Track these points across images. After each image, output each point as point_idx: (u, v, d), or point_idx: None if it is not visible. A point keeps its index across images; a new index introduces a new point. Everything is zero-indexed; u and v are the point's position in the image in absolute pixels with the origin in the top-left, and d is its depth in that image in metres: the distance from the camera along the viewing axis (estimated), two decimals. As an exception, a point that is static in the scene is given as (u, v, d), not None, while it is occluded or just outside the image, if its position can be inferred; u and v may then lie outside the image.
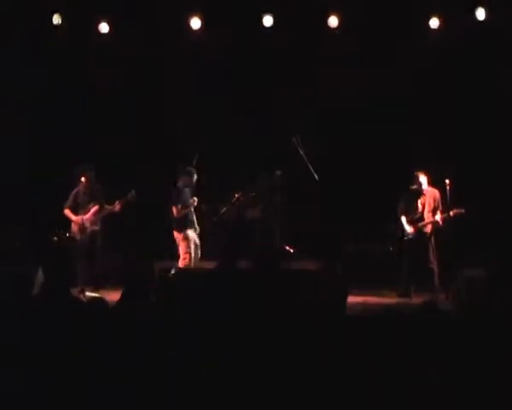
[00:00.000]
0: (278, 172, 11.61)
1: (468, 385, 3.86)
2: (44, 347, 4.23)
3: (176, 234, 9.87)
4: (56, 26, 11.36)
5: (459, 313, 7.96)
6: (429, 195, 9.36)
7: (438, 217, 9.25)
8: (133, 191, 9.64)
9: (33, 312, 4.61)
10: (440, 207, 9.31)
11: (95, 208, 9.63)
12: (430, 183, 9.35)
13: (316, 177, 10.92)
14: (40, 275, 6.52)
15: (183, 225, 9.88)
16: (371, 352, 3.88)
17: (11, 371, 4.07)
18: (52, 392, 3.99)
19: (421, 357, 3.94)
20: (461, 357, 4.04)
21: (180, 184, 10.01)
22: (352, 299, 8.96)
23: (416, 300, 8.95)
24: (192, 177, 10.03)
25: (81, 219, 9.56)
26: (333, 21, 11.36)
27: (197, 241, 9.97)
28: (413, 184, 9.42)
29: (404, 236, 9.35)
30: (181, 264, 9.72)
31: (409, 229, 9.33)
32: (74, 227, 9.64)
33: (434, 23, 11.19)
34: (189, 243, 9.80)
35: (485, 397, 3.83)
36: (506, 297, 5.28)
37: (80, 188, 9.72)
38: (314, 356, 3.99)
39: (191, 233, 9.88)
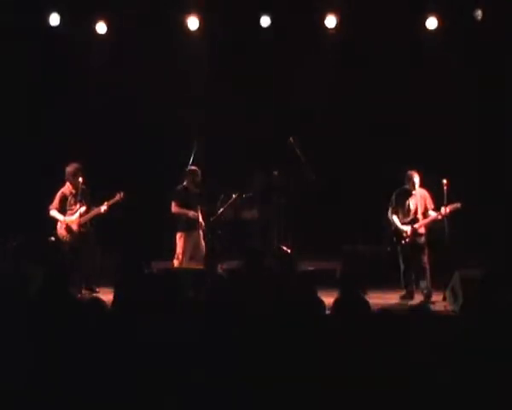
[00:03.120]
0: (275, 173, 11.63)
1: (465, 386, 3.87)
2: (43, 347, 4.24)
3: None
4: (54, 27, 11.37)
5: (455, 314, 8.00)
6: (420, 196, 9.29)
7: (434, 213, 9.18)
8: (122, 192, 9.54)
9: (32, 312, 4.62)
10: (432, 206, 9.26)
11: (82, 210, 9.49)
12: (421, 183, 9.31)
13: (313, 177, 10.93)
14: (38, 275, 6.51)
15: (178, 225, 9.89)
16: (366, 354, 3.90)
17: (10, 371, 4.08)
18: (51, 392, 4.00)
19: (418, 359, 3.95)
20: (458, 358, 4.05)
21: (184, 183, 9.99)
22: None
23: (417, 301, 8.99)
24: (189, 177, 9.95)
25: (67, 221, 9.45)
26: (330, 22, 11.38)
27: (197, 244, 9.88)
28: (404, 184, 9.36)
29: (401, 238, 9.31)
30: (174, 263, 9.76)
31: (405, 229, 9.28)
32: (61, 228, 9.52)
33: (432, 23, 11.22)
34: (180, 245, 9.80)
35: (482, 399, 3.83)
36: (503, 297, 5.29)
37: (67, 189, 9.55)
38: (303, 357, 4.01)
39: (183, 235, 9.84)
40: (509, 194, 10.87)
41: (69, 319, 4.48)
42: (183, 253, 9.70)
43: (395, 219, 9.31)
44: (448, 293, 8.61)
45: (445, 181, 9.06)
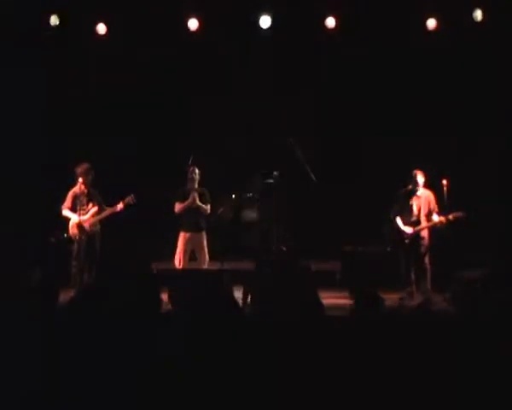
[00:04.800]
0: (275, 173, 11.62)
1: (467, 387, 3.87)
2: (43, 348, 4.24)
3: None
4: (54, 27, 11.37)
5: (457, 315, 7.99)
6: (424, 197, 9.24)
7: (437, 218, 9.15)
8: (132, 195, 9.52)
9: (32, 312, 4.61)
10: (436, 209, 9.22)
11: (94, 210, 9.47)
12: (426, 184, 9.28)
13: (313, 177, 10.93)
14: (37, 275, 6.50)
15: (178, 225, 9.87)
16: (364, 355, 3.89)
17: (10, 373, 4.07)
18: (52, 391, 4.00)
19: (418, 360, 3.95)
20: (458, 359, 4.04)
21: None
22: (348, 300, 9.01)
23: (416, 302, 8.95)
24: (188, 177, 9.92)
25: (81, 220, 9.39)
26: (330, 22, 11.38)
27: (196, 245, 9.85)
28: (408, 184, 9.33)
29: (402, 238, 9.29)
30: (175, 263, 9.75)
31: (407, 230, 9.25)
32: (73, 228, 9.46)
33: (432, 24, 11.21)
34: (179, 245, 9.78)
35: (483, 400, 3.83)
36: (505, 298, 5.27)
37: (78, 189, 9.51)
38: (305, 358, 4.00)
39: (183, 235, 9.81)
40: (510, 194, 10.87)
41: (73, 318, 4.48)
42: (182, 253, 9.68)
43: (397, 219, 9.27)
44: (448, 294, 8.60)
45: (444, 181, 9.04)
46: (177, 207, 9.80)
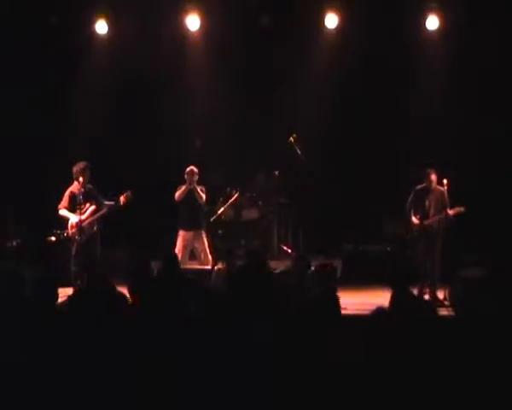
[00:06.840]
0: (276, 172, 11.63)
1: (466, 387, 3.86)
2: (42, 347, 4.24)
3: None
4: (54, 26, 11.38)
5: (457, 314, 7.99)
6: (436, 194, 9.38)
7: (443, 213, 9.28)
8: (129, 191, 9.46)
9: (28, 311, 4.61)
10: (448, 207, 9.36)
11: (92, 208, 9.41)
12: (437, 182, 9.40)
13: (313, 176, 10.94)
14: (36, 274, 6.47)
15: (178, 223, 9.88)
16: (366, 352, 3.88)
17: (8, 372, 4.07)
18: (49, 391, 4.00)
19: (418, 358, 3.94)
20: (458, 358, 4.04)
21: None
22: (349, 299, 9.00)
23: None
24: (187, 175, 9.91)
25: (79, 219, 9.32)
26: (331, 22, 11.37)
27: (196, 244, 9.85)
28: (422, 183, 9.44)
29: (407, 231, 9.38)
30: None
31: (415, 220, 9.37)
32: (72, 227, 9.38)
33: (432, 23, 11.20)
34: (179, 242, 9.77)
35: (483, 399, 3.82)
36: (504, 298, 5.28)
37: (75, 188, 9.44)
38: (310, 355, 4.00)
39: (182, 234, 9.81)
40: (509, 193, 10.88)
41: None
42: (180, 252, 9.65)
43: (412, 217, 9.44)
44: (448, 293, 8.62)
45: (445, 181, 9.11)
46: (177, 193, 9.81)
